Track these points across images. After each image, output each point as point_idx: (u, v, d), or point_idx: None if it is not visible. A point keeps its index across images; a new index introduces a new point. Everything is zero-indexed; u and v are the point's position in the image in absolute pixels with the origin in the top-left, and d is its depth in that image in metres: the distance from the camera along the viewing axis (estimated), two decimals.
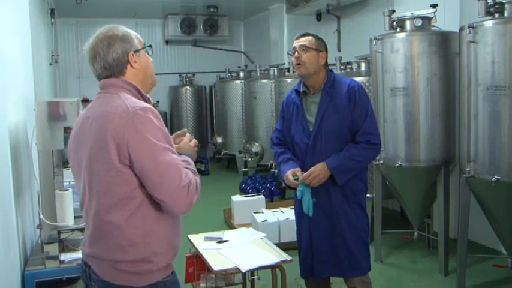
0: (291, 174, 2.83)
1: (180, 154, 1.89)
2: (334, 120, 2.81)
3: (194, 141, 2.04)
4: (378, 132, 2.91)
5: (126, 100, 1.73)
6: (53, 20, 7.19)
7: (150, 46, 1.93)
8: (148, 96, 1.88)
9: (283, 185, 6.65)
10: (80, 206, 1.90)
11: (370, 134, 2.83)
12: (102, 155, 1.69)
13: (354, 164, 2.81)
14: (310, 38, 2.87)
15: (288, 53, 2.98)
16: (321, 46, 2.88)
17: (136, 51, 1.84)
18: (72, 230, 2.84)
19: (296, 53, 2.85)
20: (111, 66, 1.81)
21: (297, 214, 3.06)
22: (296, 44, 2.88)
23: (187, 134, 2.08)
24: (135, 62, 1.83)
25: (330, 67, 3.01)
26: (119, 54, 1.80)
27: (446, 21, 4.49)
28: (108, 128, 1.67)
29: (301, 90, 2.94)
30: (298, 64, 2.85)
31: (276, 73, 7.60)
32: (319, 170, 2.77)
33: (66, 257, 2.79)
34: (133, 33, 1.87)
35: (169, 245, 1.83)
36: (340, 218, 2.87)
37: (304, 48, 2.83)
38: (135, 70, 1.84)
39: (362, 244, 2.93)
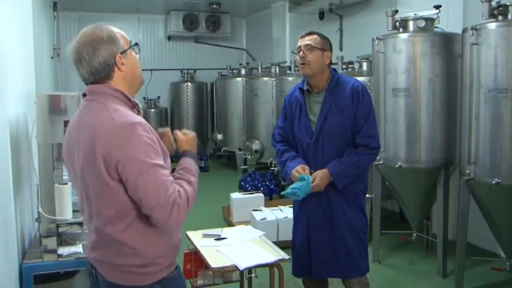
0: (301, 169, 2.79)
1: (183, 156, 1.89)
2: (336, 120, 2.80)
3: (191, 136, 2.00)
4: (378, 134, 2.92)
5: (113, 113, 1.68)
6: (55, 13, 7.15)
7: (137, 44, 1.86)
8: (136, 101, 1.84)
9: (283, 182, 6.65)
10: (81, 211, 1.90)
11: (370, 137, 2.83)
12: (94, 171, 1.68)
13: (354, 170, 2.82)
14: (315, 37, 2.84)
15: (292, 52, 2.94)
16: (326, 45, 2.85)
17: (123, 52, 1.77)
18: (71, 224, 2.84)
19: (301, 53, 2.82)
20: (98, 71, 1.74)
21: (296, 212, 3.04)
22: (301, 42, 2.85)
23: (183, 131, 2.03)
24: (122, 64, 1.77)
25: (332, 66, 3.00)
26: (105, 58, 1.73)
27: (449, 23, 4.48)
28: (96, 144, 1.65)
29: (305, 88, 2.92)
30: (303, 64, 2.82)
31: (277, 71, 7.60)
32: (320, 179, 2.77)
33: (64, 250, 2.78)
34: (118, 32, 1.79)
35: (171, 245, 1.85)
36: (339, 218, 2.86)
37: (310, 47, 2.80)
38: (123, 73, 1.78)
39: (361, 245, 2.93)
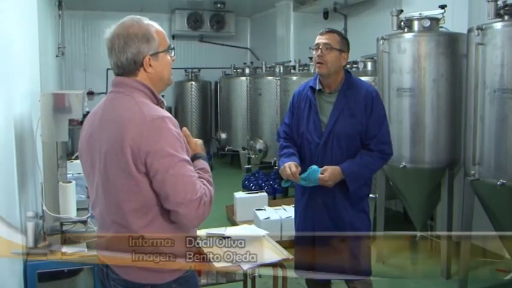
0: (294, 165, 2.73)
1: (197, 158, 1.87)
2: (348, 124, 2.77)
3: (198, 141, 1.99)
4: (391, 141, 2.89)
5: (143, 107, 1.68)
6: (60, 12, 7.19)
7: (173, 48, 1.84)
8: (162, 98, 1.82)
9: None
10: (92, 206, 1.88)
11: (385, 144, 2.81)
12: (119, 163, 1.66)
13: (366, 172, 2.80)
14: (335, 36, 2.79)
15: (310, 48, 2.89)
16: (344, 46, 2.81)
17: (154, 54, 1.76)
18: (75, 222, 2.84)
19: (319, 51, 2.77)
20: (123, 65, 1.74)
21: (299, 212, 3.02)
22: (320, 40, 2.79)
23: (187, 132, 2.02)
24: (150, 66, 1.75)
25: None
26: (134, 55, 1.72)
27: (455, 23, 4.45)
28: (125, 137, 1.64)
29: (317, 88, 2.86)
30: (320, 63, 2.77)
31: (281, 70, 7.59)
32: (330, 175, 2.70)
33: (68, 249, 2.79)
34: (157, 31, 1.77)
35: (189, 243, 1.84)
36: (344, 220, 2.84)
37: (329, 47, 2.75)
38: (149, 74, 1.76)
39: (365, 247, 2.91)
